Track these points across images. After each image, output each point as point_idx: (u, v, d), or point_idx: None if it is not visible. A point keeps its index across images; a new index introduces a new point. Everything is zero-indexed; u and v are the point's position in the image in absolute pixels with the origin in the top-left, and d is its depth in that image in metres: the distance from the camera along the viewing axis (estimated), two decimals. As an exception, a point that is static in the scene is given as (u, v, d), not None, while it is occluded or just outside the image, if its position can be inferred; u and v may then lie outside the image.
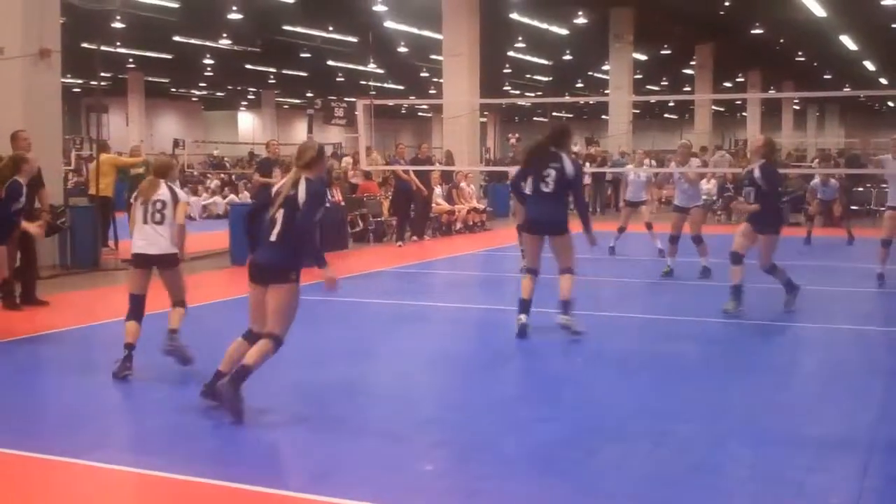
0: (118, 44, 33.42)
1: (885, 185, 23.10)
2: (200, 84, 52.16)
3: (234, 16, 27.97)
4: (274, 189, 6.69)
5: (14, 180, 9.43)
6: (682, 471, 5.40)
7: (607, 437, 6.05)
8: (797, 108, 60.10)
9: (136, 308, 7.89)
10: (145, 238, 7.78)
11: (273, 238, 6.41)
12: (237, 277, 13.68)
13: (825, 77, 48.50)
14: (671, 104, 65.79)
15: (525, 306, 9.20)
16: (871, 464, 5.56)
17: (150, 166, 16.75)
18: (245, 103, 63.07)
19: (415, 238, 18.85)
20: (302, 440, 6.14)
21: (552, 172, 9.04)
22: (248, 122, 64.18)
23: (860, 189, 24.13)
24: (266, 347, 6.38)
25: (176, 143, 40.05)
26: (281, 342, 6.44)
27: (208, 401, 6.53)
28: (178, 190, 8.04)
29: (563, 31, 33.34)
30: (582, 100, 62.69)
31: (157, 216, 7.79)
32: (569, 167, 9.06)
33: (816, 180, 19.44)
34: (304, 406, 6.95)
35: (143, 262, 7.82)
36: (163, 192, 7.84)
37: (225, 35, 33.41)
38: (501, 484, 5.23)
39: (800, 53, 41.32)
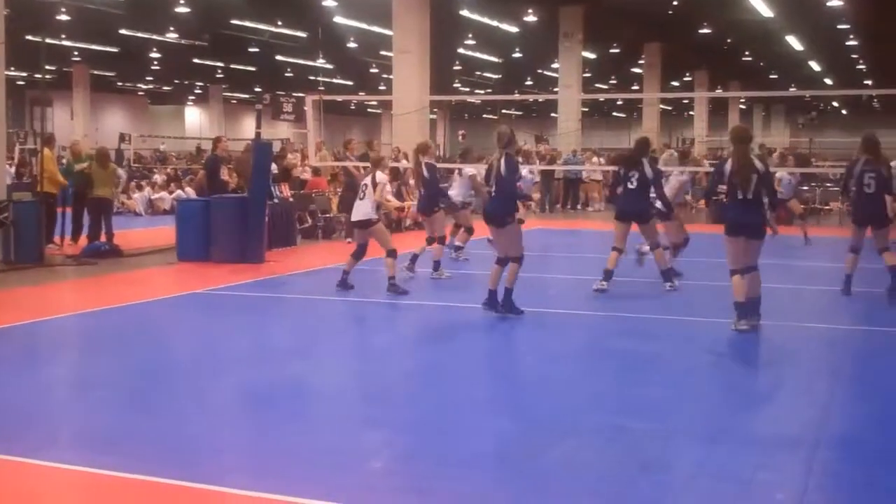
0: (63, 36, 32.94)
1: (829, 185, 23.32)
2: (147, 78, 51.55)
3: (182, 9, 27.71)
4: (486, 167, 10.34)
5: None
6: (634, 468, 5.42)
7: (559, 434, 6.05)
8: (743, 107, 60.87)
9: (359, 252, 11.84)
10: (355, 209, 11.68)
11: (493, 193, 9.90)
12: (185, 273, 13.57)
13: (771, 77, 49.17)
14: (620, 103, 66.30)
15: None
16: (816, 461, 5.62)
17: (93, 161, 16.65)
18: (192, 98, 62.49)
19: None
20: (250, 438, 6.07)
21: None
22: (195, 117, 63.61)
23: (805, 188, 24.46)
24: (515, 268, 9.79)
25: (122, 138, 39.55)
26: (521, 260, 9.89)
27: (490, 311, 9.90)
28: (379, 174, 11.56)
29: (513, 29, 33.45)
30: (531, 97, 62.88)
31: (361, 194, 11.61)
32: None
33: (782, 174, 19.17)
34: (253, 404, 6.89)
35: (352, 226, 12.51)
36: (368, 178, 11.60)
37: (172, 28, 33.07)
38: (453, 482, 5.21)
39: (746, 53, 41.84)
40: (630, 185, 11.70)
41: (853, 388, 7.55)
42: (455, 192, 14.36)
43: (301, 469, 5.38)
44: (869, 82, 49.02)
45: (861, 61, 44.60)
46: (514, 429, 6.17)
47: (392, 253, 11.51)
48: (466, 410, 6.69)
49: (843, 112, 71.11)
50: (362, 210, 11.49)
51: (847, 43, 37.26)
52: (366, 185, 11.56)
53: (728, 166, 9.27)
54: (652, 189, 11.79)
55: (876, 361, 8.42)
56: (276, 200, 16.87)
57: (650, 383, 7.47)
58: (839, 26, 32.66)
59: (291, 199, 18.42)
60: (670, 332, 9.59)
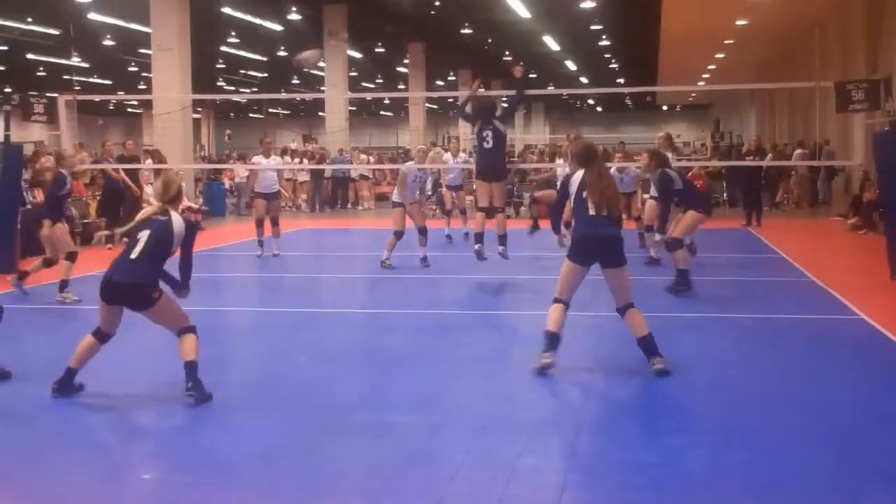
0: None
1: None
2: None
3: (-83, 4, 25.83)
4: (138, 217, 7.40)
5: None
6: (402, 461, 5.48)
7: (328, 433, 6.03)
8: (506, 105, 62.67)
9: None
10: None
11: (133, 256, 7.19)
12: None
13: (531, 76, 50.85)
14: (387, 102, 66.90)
15: None
16: (577, 443, 5.85)
17: None
18: (-67, 100, 58.42)
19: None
20: (7, 457, 5.77)
21: None
22: (-63, 120, 59.42)
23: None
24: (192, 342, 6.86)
25: None
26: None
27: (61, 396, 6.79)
28: None
29: (278, 27, 33.12)
30: (298, 97, 62.57)
31: None
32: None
33: (562, 171, 18.41)
34: (5, 422, 6.49)
35: None
36: None
37: None
38: (224, 489, 5.15)
39: (507, 53, 43.11)
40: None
41: (610, 373, 7.87)
42: None
43: (64, 486, 5.15)
44: (622, 80, 51.59)
45: (614, 61, 46.87)
46: (284, 429, 6.10)
47: None
48: (233, 416, 6.53)
49: (599, 109, 74.64)
50: None
51: (600, 43, 39.03)
52: None
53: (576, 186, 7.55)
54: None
55: (629, 346, 8.83)
56: (28, 206, 15.98)
57: (416, 377, 7.56)
58: (592, 27, 34.16)
59: (45, 205, 17.49)
60: (424, 326, 9.73)
